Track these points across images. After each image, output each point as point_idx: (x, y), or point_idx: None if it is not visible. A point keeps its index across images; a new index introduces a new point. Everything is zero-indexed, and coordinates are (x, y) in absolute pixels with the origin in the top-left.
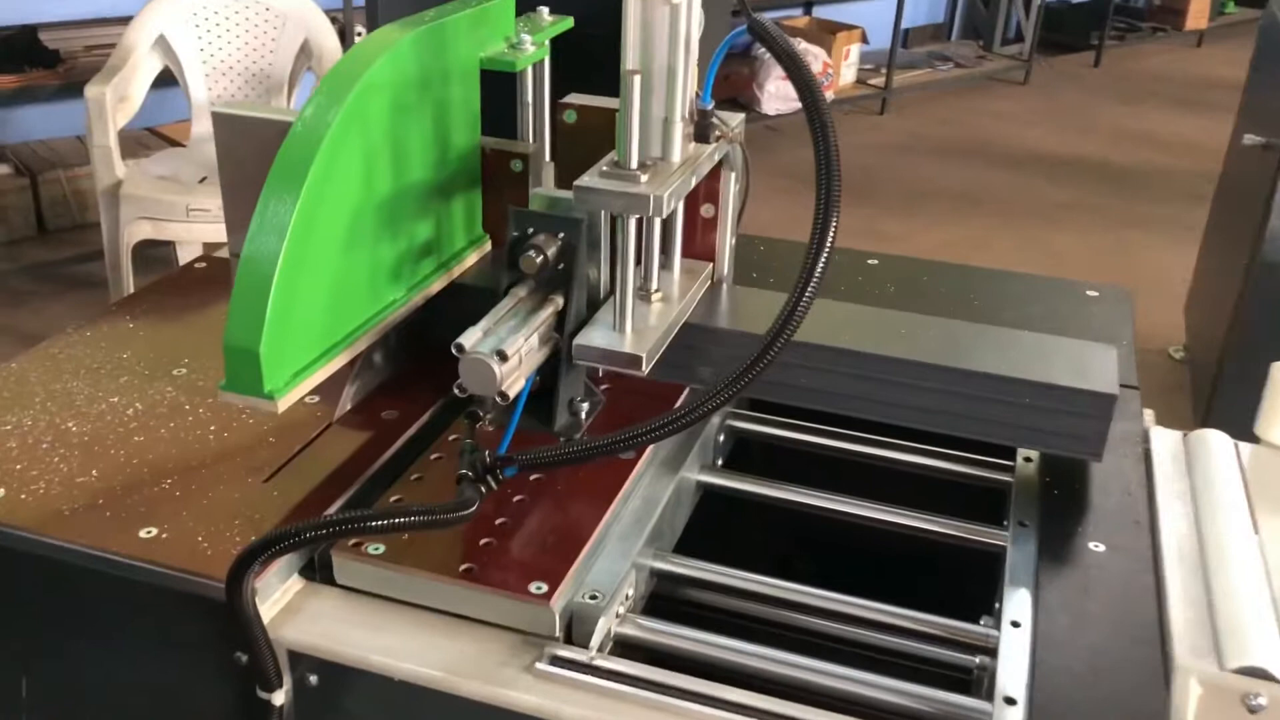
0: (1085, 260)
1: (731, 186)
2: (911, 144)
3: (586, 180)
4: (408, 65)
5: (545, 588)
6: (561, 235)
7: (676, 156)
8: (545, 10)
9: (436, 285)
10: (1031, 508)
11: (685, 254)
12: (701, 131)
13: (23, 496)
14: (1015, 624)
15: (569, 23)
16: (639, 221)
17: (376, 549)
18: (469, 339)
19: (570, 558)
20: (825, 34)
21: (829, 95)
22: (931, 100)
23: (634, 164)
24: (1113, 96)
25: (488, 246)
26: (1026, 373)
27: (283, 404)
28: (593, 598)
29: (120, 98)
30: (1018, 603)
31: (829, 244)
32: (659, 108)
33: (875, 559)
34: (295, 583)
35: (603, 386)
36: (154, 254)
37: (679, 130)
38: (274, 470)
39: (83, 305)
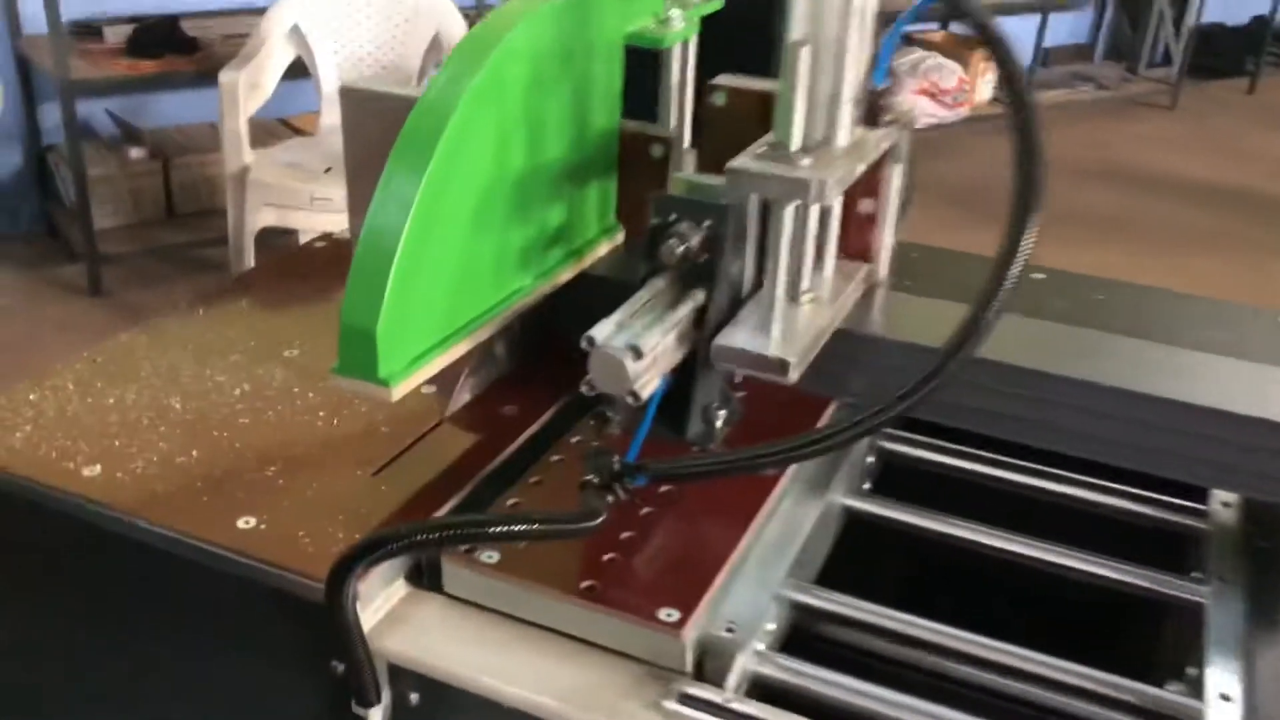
0: (1232, 292)
1: (896, 180)
2: (1051, 165)
3: (741, 162)
4: (548, 34)
5: (677, 615)
6: (706, 224)
7: (843, 141)
8: None
9: (565, 275)
10: (1234, 561)
11: (840, 253)
12: (871, 115)
13: (119, 474)
14: (1225, 697)
15: (719, 2)
16: (795, 211)
17: (490, 557)
18: (601, 332)
19: (705, 583)
20: (963, 50)
21: (964, 111)
22: (1072, 121)
23: (796, 145)
24: (1267, 124)
25: (620, 237)
26: (1234, 404)
27: (398, 392)
28: (729, 630)
29: (252, 84)
30: (1226, 672)
31: (1026, 245)
32: (826, 85)
33: (1031, 602)
34: (400, 588)
35: (739, 394)
36: (278, 242)
37: (847, 111)
38: (384, 464)
39: (207, 288)
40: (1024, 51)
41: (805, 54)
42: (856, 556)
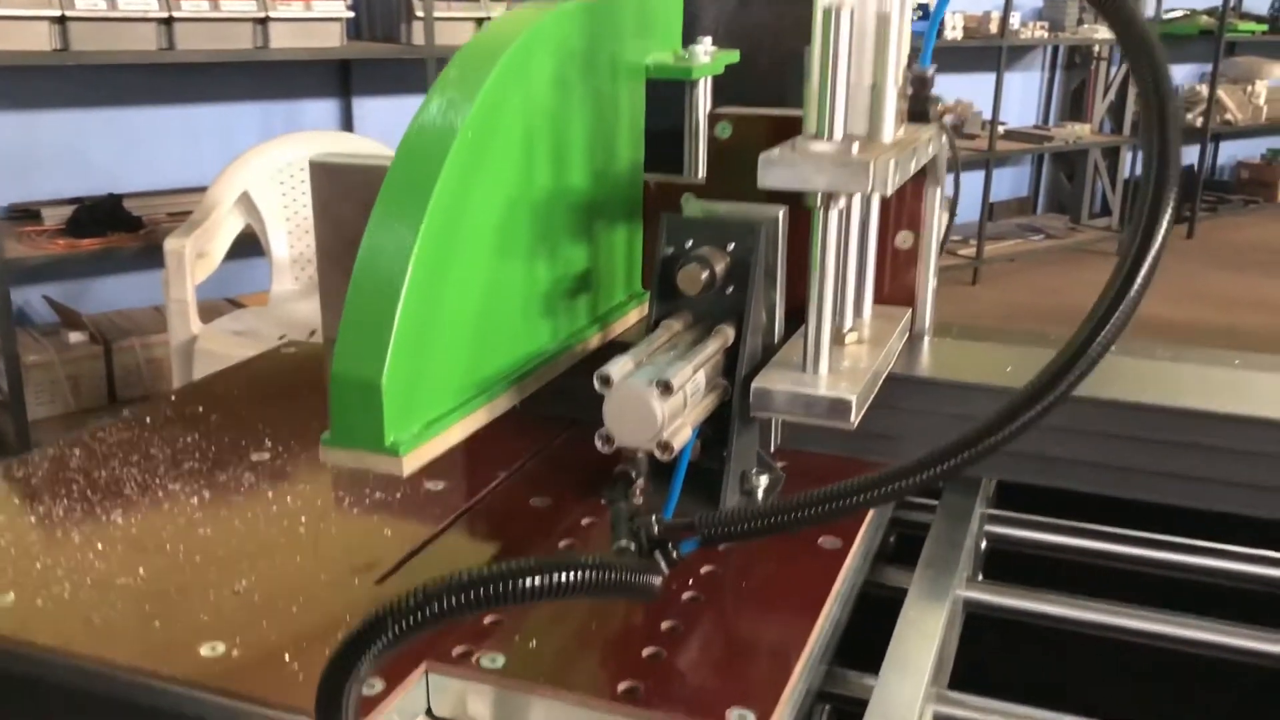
0: None
1: (936, 206)
2: (1010, 313)
3: (775, 153)
4: (570, 35)
5: (751, 717)
6: (731, 246)
7: (888, 135)
8: (708, 41)
9: (594, 341)
10: None
11: (876, 299)
12: (919, 106)
13: (39, 602)
14: None
15: (735, 56)
16: (839, 218)
17: (494, 660)
18: (617, 368)
19: (780, 678)
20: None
21: None
22: (1024, 271)
23: (839, 133)
24: (1211, 264)
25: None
26: None
27: (410, 464)
28: None
29: (200, 253)
30: None
31: (1158, 246)
32: (865, 70)
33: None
34: None
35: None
36: None
37: (891, 100)
38: (391, 569)
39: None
40: (973, 205)
41: (844, 21)
42: (977, 653)
